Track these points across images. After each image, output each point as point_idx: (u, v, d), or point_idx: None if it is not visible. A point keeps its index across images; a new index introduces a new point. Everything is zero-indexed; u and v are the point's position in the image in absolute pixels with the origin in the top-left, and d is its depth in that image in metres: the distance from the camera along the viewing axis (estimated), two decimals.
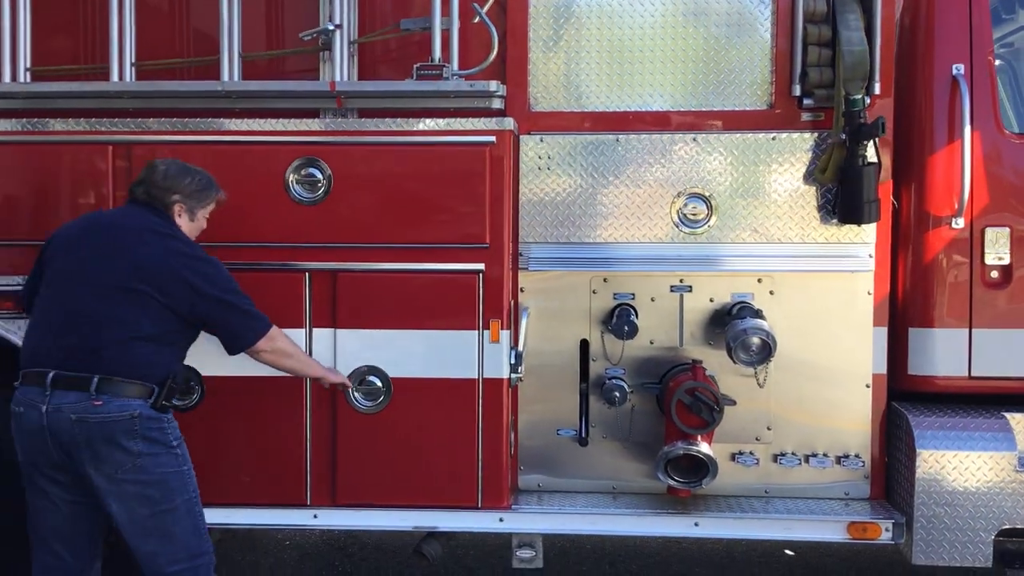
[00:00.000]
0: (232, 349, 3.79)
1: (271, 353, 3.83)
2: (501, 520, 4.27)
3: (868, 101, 4.13)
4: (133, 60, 4.31)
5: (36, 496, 3.66)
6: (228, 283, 3.72)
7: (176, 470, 3.61)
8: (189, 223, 3.82)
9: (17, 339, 4.30)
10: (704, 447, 4.14)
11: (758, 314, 4.23)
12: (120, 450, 3.48)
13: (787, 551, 5.83)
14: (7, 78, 4.31)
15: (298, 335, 4.23)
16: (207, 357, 4.12)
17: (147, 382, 3.54)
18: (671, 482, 4.20)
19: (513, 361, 4.25)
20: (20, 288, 4.29)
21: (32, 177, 4.33)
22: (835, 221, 4.33)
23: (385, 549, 5.90)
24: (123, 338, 3.52)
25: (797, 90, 4.32)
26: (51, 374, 3.50)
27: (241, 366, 4.15)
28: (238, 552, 5.83)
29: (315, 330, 4.27)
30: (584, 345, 4.46)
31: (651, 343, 4.43)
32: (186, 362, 4.00)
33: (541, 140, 4.42)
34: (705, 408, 4.08)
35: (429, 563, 4.39)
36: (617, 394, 4.34)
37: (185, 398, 4.07)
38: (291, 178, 4.22)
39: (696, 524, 4.26)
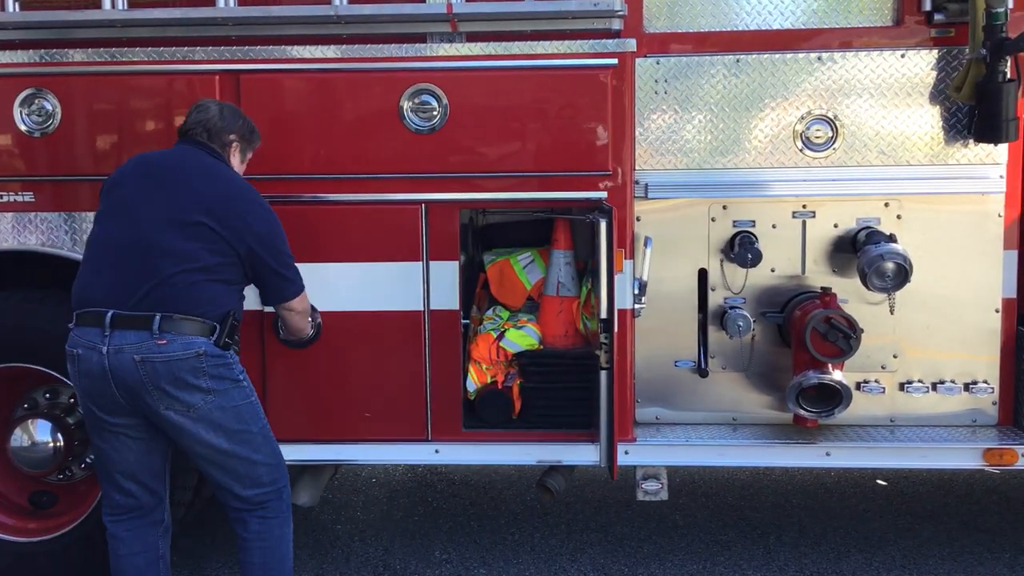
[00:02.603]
0: (271, 300, 3.76)
1: (299, 313, 3.80)
2: (627, 453, 4.21)
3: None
4: None
5: (102, 438, 3.59)
6: (282, 236, 3.66)
7: (246, 401, 3.59)
8: (239, 164, 3.78)
9: None
10: (838, 375, 4.05)
11: (891, 238, 4.11)
12: (189, 388, 3.42)
13: (879, 480, 5.79)
14: (107, 4, 4.13)
15: (415, 268, 4.14)
16: (324, 293, 4.06)
17: (208, 319, 3.46)
18: (802, 412, 4.13)
19: (636, 291, 4.14)
20: None
21: (135, 109, 4.19)
22: (963, 141, 4.19)
23: (474, 484, 5.87)
24: (182, 271, 3.42)
25: (928, 4, 4.15)
26: (109, 314, 3.41)
27: (360, 301, 4.11)
28: (326, 491, 5.78)
29: (432, 263, 4.16)
30: (702, 274, 4.35)
31: (772, 271, 4.32)
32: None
33: (657, 63, 4.25)
34: (841, 336, 3.98)
35: (553, 497, 4.34)
36: (740, 324, 4.24)
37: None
38: (406, 106, 4.08)
39: (827, 454, 4.19)
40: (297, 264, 3.71)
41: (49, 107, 4.17)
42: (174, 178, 3.55)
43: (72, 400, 4.49)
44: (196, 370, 3.42)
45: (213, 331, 3.46)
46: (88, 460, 4.52)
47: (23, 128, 4.19)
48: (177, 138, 3.74)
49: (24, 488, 4.54)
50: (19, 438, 4.38)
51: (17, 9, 4.18)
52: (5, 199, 4.27)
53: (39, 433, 4.38)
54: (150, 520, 3.72)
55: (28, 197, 4.26)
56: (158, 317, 3.38)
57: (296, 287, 3.72)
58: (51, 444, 4.38)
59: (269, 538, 3.64)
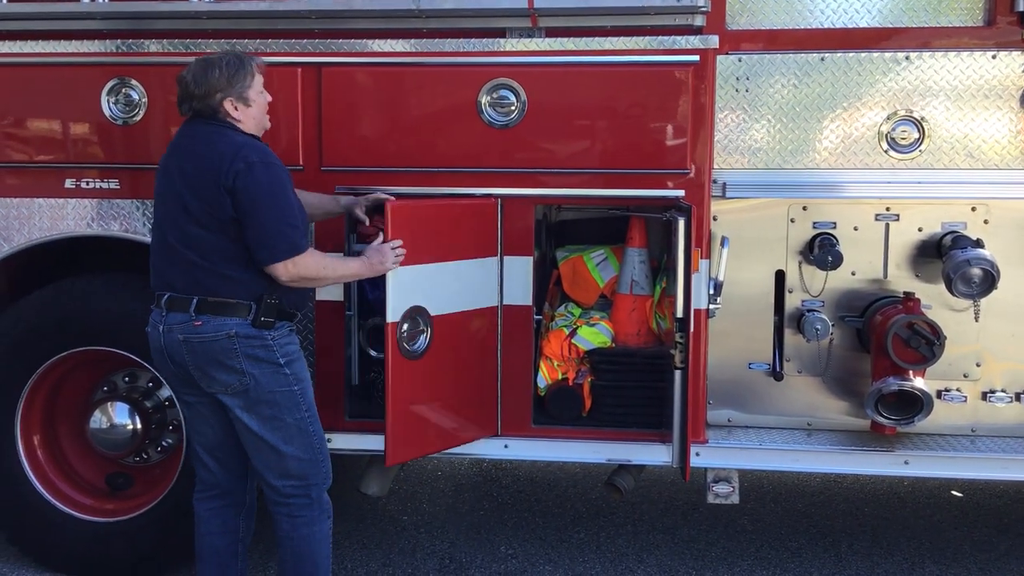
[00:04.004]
0: (257, 262, 3.49)
1: (295, 280, 3.50)
2: (698, 454, 4.16)
3: None
4: None
5: (184, 407, 3.76)
6: (261, 193, 3.39)
7: (286, 389, 3.57)
8: (247, 109, 3.54)
9: None
10: (919, 383, 3.96)
11: (978, 243, 4.01)
12: (224, 370, 3.48)
13: (954, 492, 5.65)
14: None
15: (490, 263, 4.13)
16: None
17: (243, 299, 3.47)
18: (881, 419, 4.04)
19: (712, 291, 4.09)
20: None
21: None
22: None
23: (539, 481, 5.86)
24: (204, 259, 3.46)
25: (1021, 5, 4.02)
26: (165, 296, 3.55)
27: (454, 303, 4.06)
28: (393, 482, 5.81)
29: (506, 258, 4.15)
30: (780, 276, 4.28)
31: (852, 274, 4.24)
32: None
33: (739, 60, 4.18)
34: (924, 343, 3.89)
35: (622, 496, 4.31)
36: (818, 327, 4.17)
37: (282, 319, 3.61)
38: (484, 101, 4.08)
39: (906, 463, 4.10)
40: None
41: (135, 96, 4.25)
42: (175, 166, 3.54)
43: (150, 384, 4.58)
44: (228, 351, 3.47)
45: (249, 311, 3.48)
46: (164, 444, 4.60)
47: (110, 116, 4.27)
48: None
49: (102, 469, 4.65)
50: (98, 420, 4.49)
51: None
52: (91, 186, 4.35)
53: (117, 415, 4.49)
54: (231, 501, 3.79)
55: (113, 184, 4.34)
56: (195, 299, 3.48)
57: (272, 253, 3.42)
58: (129, 427, 4.48)
59: (296, 537, 3.65)
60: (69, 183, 4.36)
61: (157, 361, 3.66)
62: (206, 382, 3.53)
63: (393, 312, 3.78)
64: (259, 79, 3.60)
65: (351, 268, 3.74)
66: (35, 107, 4.36)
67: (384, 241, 3.73)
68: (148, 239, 4.25)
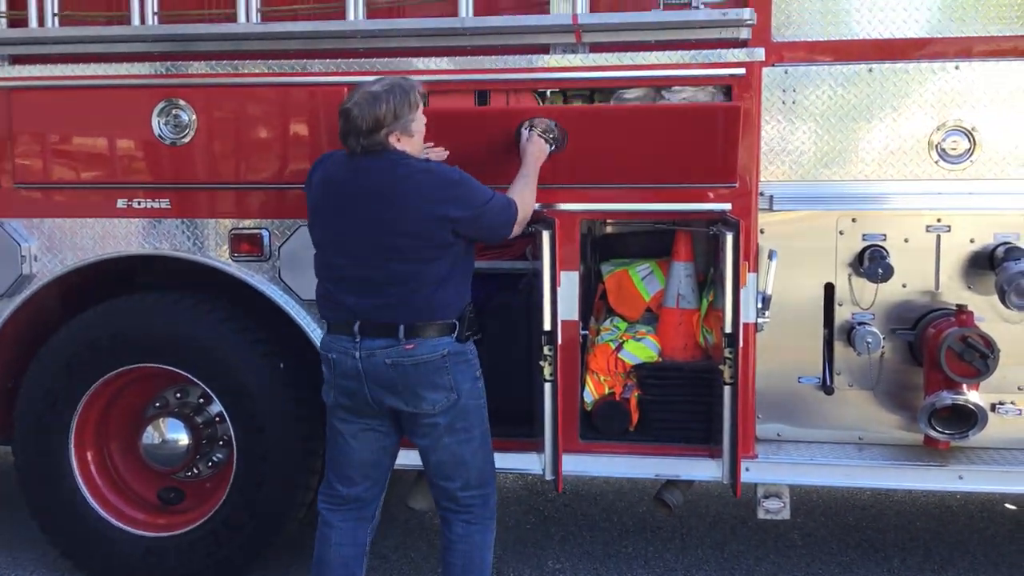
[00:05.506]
0: (500, 240, 3.76)
1: (522, 226, 3.74)
2: (747, 470, 4.13)
3: None
4: None
5: (348, 432, 3.70)
6: (472, 195, 3.55)
7: (477, 401, 3.68)
8: (410, 139, 3.56)
9: (256, 282, 4.34)
10: (974, 396, 3.91)
11: None
12: (435, 388, 3.54)
13: (1007, 505, 5.55)
14: (241, 17, 4.26)
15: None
16: None
17: (448, 319, 3.56)
18: (934, 433, 3.99)
19: (760, 305, 4.06)
20: (257, 232, 4.35)
21: (268, 120, 4.30)
22: None
23: (584, 495, 5.84)
24: (411, 290, 3.51)
25: None
26: (357, 323, 3.54)
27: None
28: None
29: (561, 273, 4.13)
30: (829, 289, 4.24)
31: (903, 287, 4.19)
32: None
33: (786, 72, 4.16)
34: (978, 356, 3.84)
35: (671, 511, 4.29)
36: (869, 340, 4.12)
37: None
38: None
39: (960, 477, 4.05)
40: None
41: (185, 117, 4.31)
42: (364, 209, 3.50)
43: (201, 400, 4.63)
44: (441, 370, 3.53)
45: (454, 329, 3.57)
46: (215, 459, 4.65)
47: (160, 137, 4.33)
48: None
49: (153, 484, 4.71)
50: (150, 436, 4.56)
51: (156, 22, 4.34)
52: (142, 206, 4.42)
53: (169, 431, 4.55)
54: (363, 514, 3.82)
55: (164, 204, 4.40)
56: (402, 326, 3.51)
57: (509, 224, 3.64)
58: (180, 442, 4.54)
59: (471, 543, 3.72)
60: (121, 203, 4.43)
61: (344, 385, 3.60)
62: (414, 402, 3.54)
63: None
64: (420, 108, 3.60)
65: (532, 176, 3.85)
66: (88, 128, 4.44)
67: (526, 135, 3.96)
68: (198, 258, 4.35)
